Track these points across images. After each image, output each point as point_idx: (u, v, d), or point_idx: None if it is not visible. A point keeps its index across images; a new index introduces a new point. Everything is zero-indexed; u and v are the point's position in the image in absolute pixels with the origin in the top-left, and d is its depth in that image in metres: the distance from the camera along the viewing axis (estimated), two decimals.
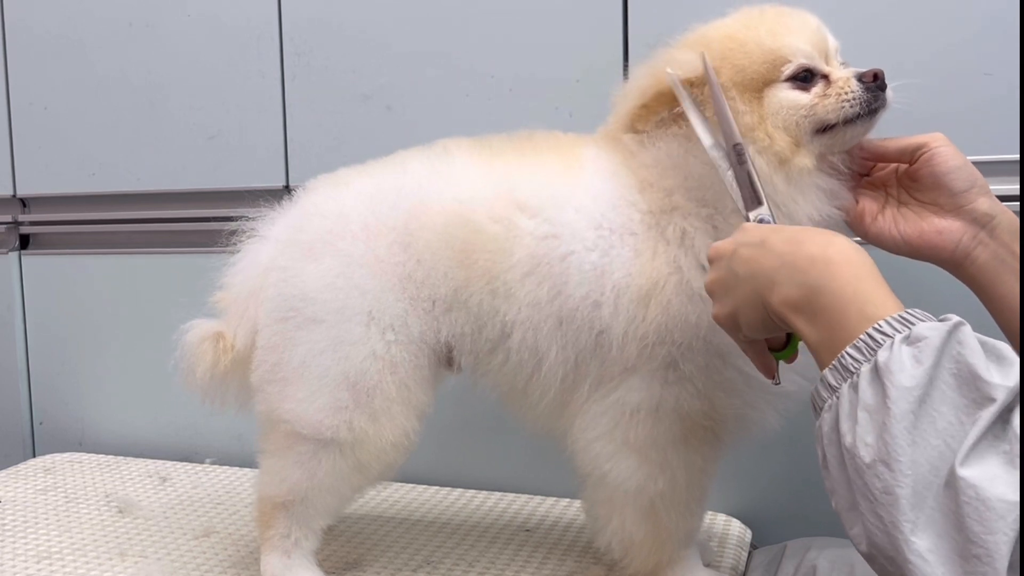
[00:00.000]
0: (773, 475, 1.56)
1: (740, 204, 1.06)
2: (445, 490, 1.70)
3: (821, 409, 0.86)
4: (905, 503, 0.75)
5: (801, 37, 1.11)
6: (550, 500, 1.64)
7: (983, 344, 0.79)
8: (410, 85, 1.69)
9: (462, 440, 1.68)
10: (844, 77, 1.10)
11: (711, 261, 1.02)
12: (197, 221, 1.88)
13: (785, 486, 1.57)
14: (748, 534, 1.53)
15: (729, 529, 1.52)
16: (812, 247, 0.91)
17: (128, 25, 1.88)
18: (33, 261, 2.03)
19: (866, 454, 0.78)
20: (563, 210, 1.16)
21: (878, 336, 0.81)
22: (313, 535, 1.27)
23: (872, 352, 0.81)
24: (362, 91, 1.71)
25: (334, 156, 1.72)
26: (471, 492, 1.69)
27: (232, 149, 1.82)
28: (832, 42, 1.14)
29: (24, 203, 2.04)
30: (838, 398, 0.83)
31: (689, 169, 1.12)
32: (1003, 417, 0.75)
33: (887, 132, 1.14)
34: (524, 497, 1.66)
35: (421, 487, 1.71)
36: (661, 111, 1.13)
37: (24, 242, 2.05)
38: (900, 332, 0.81)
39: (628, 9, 1.54)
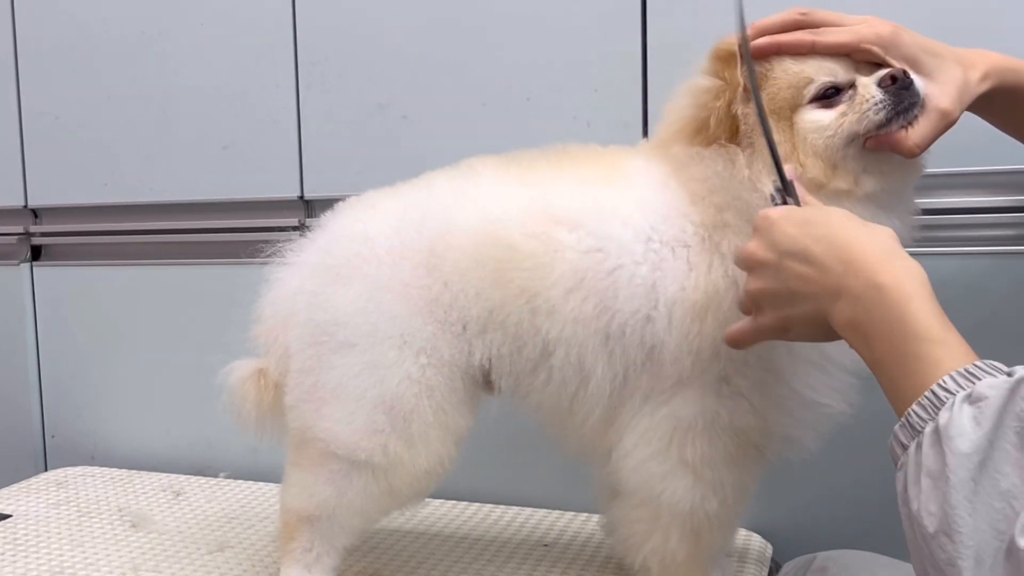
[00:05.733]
0: (795, 488, 1.55)
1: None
2: (463, 504, 1.69)
3: (897, 466, 0.85)
4: (968, 575, 0.74)
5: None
6: (568, 515, 1.63)
7: None
8: (426, 94, 1.67)
9: (480, 455, 1.66)
10: (864, 84, 1.07)
11: (748, 268, 1.01)
12: (211, 232, 1.87)
13: (808, 499, 1.55)
14: (769, 549, 1.51)
15: (749, 544, 1.50)
16: (864, 267, 0.91)
17: (140, 34, 1.87)
18: (44, 273, 2.02)
19: (930, 524, 0.77)
20: (607, 223, 1.13)
21: (942, 394, 0.81)
22: (335, 552, 1.25)
23: (936, 410, 0.80)
24: (378, 100, 1.70)
25: (349, 166, 1.72)
26: (489, 506, 1.68)
27: (246, 159, 1.81)
28: None
29: (36, 214, 2.04)
30: (907, 458, 0.82)
31: (736, 191, 1.10)
32: None
33: None
34: (542, 512, 1.65)
35: (438, 501, 1.69)
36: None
37: (36, 253, 2.04)
38: (963, 389, 0.80)
39: (647, 18, 1.53)
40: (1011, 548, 0.72)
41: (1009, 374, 0.79)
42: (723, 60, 1.10)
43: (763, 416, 1.13)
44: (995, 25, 1.37)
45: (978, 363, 0.82)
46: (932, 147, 1.08)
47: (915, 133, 1.05)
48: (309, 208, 1.78)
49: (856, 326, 0.90)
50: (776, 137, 1.06)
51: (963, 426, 0.77)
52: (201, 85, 1.84)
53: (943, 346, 0.84)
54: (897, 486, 0.84)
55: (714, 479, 1.15)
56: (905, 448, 0.83)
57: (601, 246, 1.13)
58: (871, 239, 0.93)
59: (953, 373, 0.81)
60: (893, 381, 0.87)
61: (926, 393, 0.82)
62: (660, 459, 1.16)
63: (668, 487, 1.16)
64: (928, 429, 0.80)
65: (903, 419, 0.84)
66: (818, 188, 1.06)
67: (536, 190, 1.17)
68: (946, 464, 0.77)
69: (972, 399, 0.78)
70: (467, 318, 1.18)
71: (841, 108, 1.07)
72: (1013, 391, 0.77)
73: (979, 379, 0.80)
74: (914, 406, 0.82)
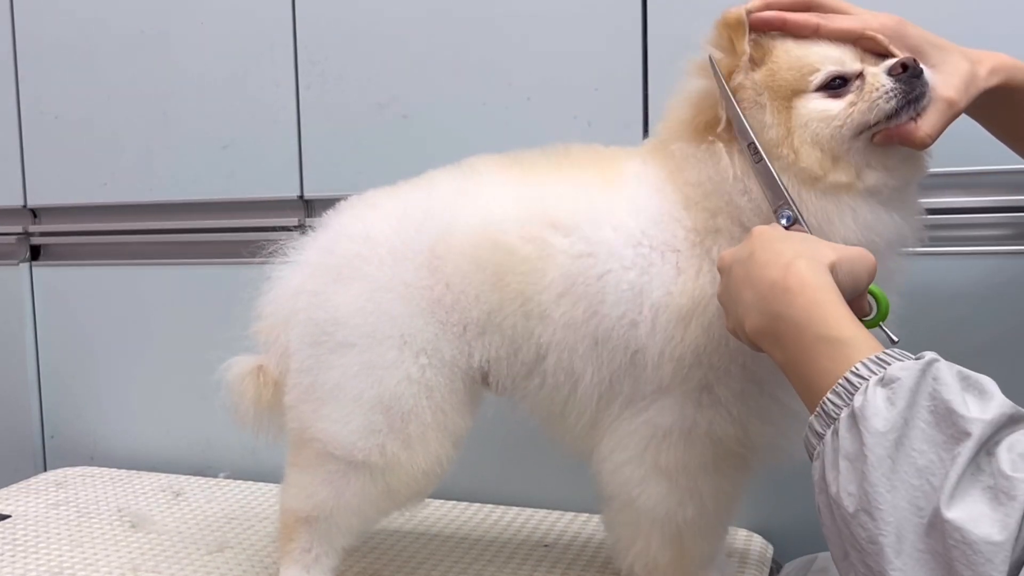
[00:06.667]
0: (797, 488, 1.53)
1: (770, 199, 1.05)
2: (463, 504, 1.68)
3: (813, 456, 0.87)
4: (890, 551, 0.75)
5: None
6: (569, 515, 1.62)
7: (964, 378, 0.80)
8: (426, 94, 1.67)
9: (480, 455, 1.66)
10: (873, 73, 1.05)
11: (719, 271, 1.03)
12: (210, 232, 1.86)
13: (809, 500, 1.53)
14: (770, 550, 1.51)
15: (750, 545, 1.50)
16: (774, 272, 0.93)
17: (140, 33, 1.87)
18: (44, 273, 2.02)
19: (849, 504, 0.79)
20: (600, 227, 1.12)
21: (855, 379, 0.83)
22: (334, 553, 1.25)
23: (850, 396, 0.83)
24: (377, 100, 1.70)
25: (349, 166, 1.72)
26: (489, 507, 1.67)
27: (246, 159, 1.81)
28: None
29: (35, 214, 2.03)
30: (823, 446, 0.84)
31: (729, 196, 1.09)
32: (987, 449, 0.75)
33: None
34: (543, 512, 1.64)
35: (439, 501, 1.69)
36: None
37: (35, 253, 2.04)
38: (875, 374, 0.82)
39: (647, 17, 1.52)
40: (933, 521, 0.74)
41: (918, 359, 0.82)
42: (731, 28, 1.08)
43: (743, 426, 1.12)
44: (998, 28, 1.36)
45: (887, 351, 0.85)
46: (933, 146, 1.07)
47: (925, 124, 1.03)
48: (309, 208, 1.77)
49: (766, 331, 0.93)
50: (770, 119, 1.06)
51: (878, 406, 0.79)
52: (201, 84, 1.83)
53: (852, 342, 0.86)
54: (814, 476, 0.86)
55: (690, 486, 1.15)
56: (821, 437, 0.85)
57: (592, 251, 1.12)
58: (785, 244, 0.96)
59: (865, 360, 0.84)
60: (806, 381, 0.89)
61: (840, 381, 0.84)
62: (635, 464, 1.16)
63: (643, 492, 1.16)
64: (844, 414, 0.82)
65: (818, 409, 0.85)
66: (813, 180, 1.05)
67: (536, 192, 1.16)
68: (863, 443, 0.79)
69: (885, 382, 0.81)
70: (467, 320, 1.17)
71: (850, 97, 1.05)
72: (924, 372, 0.79)
73: (890, 364, 0.82)
74: (829, 394, 0.84)
